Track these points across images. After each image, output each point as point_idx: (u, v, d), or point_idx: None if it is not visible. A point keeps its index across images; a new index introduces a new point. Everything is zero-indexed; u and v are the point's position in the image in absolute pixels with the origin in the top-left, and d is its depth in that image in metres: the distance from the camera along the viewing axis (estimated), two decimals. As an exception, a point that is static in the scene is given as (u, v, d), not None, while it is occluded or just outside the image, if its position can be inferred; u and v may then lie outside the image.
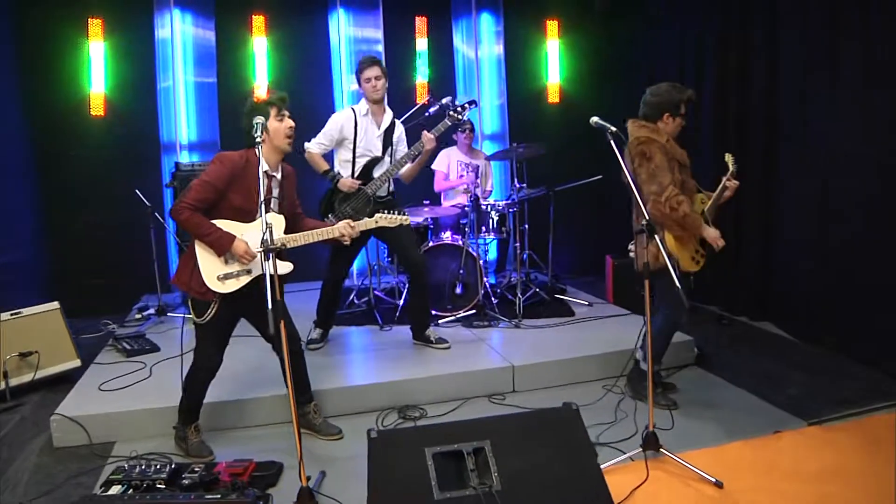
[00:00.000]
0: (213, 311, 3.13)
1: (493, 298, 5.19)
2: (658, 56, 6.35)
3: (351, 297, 5.55)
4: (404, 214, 3.40)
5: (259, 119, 3.00)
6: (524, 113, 6.88)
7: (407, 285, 5.19)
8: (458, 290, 5.09)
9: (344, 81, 6.40)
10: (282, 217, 3.22)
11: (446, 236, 5.21)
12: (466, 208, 5.29)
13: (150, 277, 5.79)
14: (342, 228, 3.25)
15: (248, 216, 3.14)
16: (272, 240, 2.68)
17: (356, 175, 4.33)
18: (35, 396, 4.09)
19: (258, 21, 6.20)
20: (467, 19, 6.76)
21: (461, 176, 5.84)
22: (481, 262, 5.14)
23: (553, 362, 4.20)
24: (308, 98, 6.32)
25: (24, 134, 5.70)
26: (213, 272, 3.11)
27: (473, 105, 4.40)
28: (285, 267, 3.20)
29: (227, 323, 3.27)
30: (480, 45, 6.79)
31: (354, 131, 4.30)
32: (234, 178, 3.08)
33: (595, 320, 5.06)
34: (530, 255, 5.74)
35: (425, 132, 4.25)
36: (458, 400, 3.95)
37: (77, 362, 4.36)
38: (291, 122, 3.17)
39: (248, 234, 3.12)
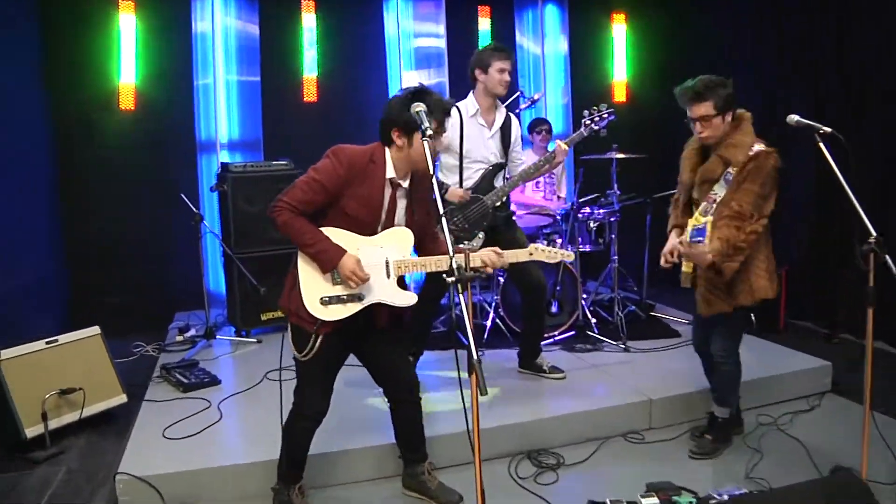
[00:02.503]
0: (317, 346, 2.48)
1: (591, 317, 4.57)
2: (737, 51, 5.85)
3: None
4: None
5: (420, 107, 2.34)
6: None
7: (494, 304, 4.59)
8: (554, 309, 4.48)
9: (402, 78, 5.77)
10: (409, 232, 2.58)
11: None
12: (557, 216, 4.69)
13: (186, 293, 5.14)
14: (487, 256, 2.59)
15: (364, 228, 2.51)
16: (467, 267, 2.06)
17: (477, 185, 3.70)
18: (78, 440, 3.36)
19: (307, 10, 5.54)
20: (532, 10, 6.19)
21: (536, 183, 5.26)
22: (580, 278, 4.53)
23: (691, 394, 3.60)
24: (361, 97, 5.71)
25: (42, 130, 4.98)
26: (316, 293, 2.47)
27: (612, 116, 3.79)
28: (406, 298, 2.57)
29: (336, 360, 2.62)
30: (545, 40, 6.22)
31: (461, 136, 3.66)
32: (352, 181, 2.46)
33: (707, 342, 4.48)
34: (618, 269, 5.13)
35: (559, 142, 3.69)
36: (593, 441, 3.36)
37: (123, 398, 3.65)
38: (443, 148, 2.64)
39: (364, 250, 2.49)
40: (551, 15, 6.23)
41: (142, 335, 4.91)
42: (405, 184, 2.57)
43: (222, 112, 5.41)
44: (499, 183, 3.75)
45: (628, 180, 5.00)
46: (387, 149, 2.50)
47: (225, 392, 3.70)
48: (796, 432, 3.42)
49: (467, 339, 1.92)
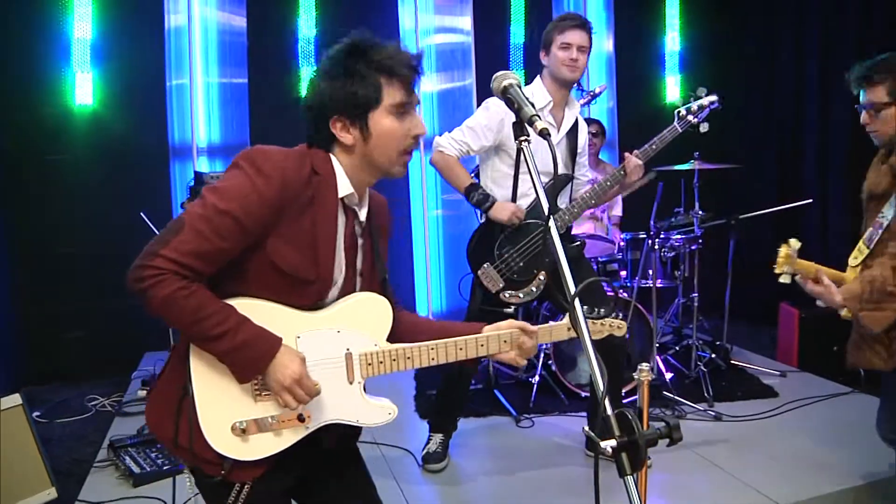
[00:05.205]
0: (243, 499, 1.45)
1: (665, 372, 3.60)
2: (817, 52, 4.96)
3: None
4: None
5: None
6: (637, 115, 5.35)
7: (543, 353, 3.62)
8: (621, 362, 3.52)
9: (420, 82, 4.84)
10: (384, 302, 1.53)
11: (598, 283, 3.65)
12: (622, 242, 3.75)
13: (158, 329, 4.15)
14: (520, 340, 1.57)
15: (308, 295, 1.46)
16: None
17: (535, 204, 2.70)
18: (-22, 565, 2.40)
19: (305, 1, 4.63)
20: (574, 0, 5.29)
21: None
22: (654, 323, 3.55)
23: (838, 494, 2.63)
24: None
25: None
26: (224, 415, 1.41)
27: (715, 104, 2.81)
28: (380, 412, 1.52)
29: (283, 497, 1.57)
30: (588, 31, 5.33)
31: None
32: (286, 209, 1.39)
33: (817, 404, 3.51)
34: (686, 305, 4.16)
35: (629, 157, 2.73)
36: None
37: (51, 493, 2.66)
38: (421, 127, 1.52)
39: (308, 340, 1.46)
40: (594, 5, 5.32)
41: (102, 382, 4.04)
42: (363, 213, 1.55)
43: (201, 112, 4.47)
44: (563, 202, 2.79)
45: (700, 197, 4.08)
46: (330, 154, 1.48)
47: (190, 490, 2.71)
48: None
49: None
